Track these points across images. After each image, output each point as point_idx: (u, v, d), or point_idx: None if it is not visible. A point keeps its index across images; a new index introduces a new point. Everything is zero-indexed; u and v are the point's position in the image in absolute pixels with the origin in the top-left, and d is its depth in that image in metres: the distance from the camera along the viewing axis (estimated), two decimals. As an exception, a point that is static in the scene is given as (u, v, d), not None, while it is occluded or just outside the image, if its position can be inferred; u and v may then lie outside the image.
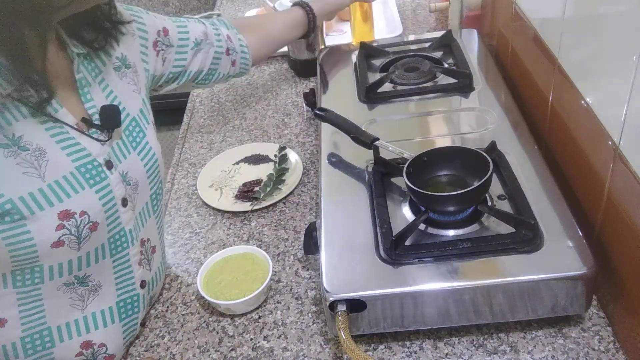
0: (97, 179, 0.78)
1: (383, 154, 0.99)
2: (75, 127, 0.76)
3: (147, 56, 0.95)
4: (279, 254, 1.03)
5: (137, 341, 0.92)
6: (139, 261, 0.88)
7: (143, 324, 0.95)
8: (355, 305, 0.80)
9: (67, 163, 0.75)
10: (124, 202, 0.82)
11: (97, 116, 0.80)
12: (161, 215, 0.96)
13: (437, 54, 1.31)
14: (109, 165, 0.80)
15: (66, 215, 0.74)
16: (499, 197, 0.90)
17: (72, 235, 0.75)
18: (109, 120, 0.80)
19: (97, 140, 0.78)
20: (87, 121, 0.78)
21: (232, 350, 0.89)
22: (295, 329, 0.90)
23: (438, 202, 0.87)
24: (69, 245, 0.75)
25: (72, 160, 0.76)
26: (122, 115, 0.84)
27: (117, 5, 0.87)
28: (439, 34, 1.35)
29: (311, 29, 1.29)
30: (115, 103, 0.83)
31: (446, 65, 1.26)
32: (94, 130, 0.79)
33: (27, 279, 0.75)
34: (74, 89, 0.79)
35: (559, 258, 0.79)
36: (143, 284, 0.90)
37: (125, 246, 0.84)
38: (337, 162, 1.05)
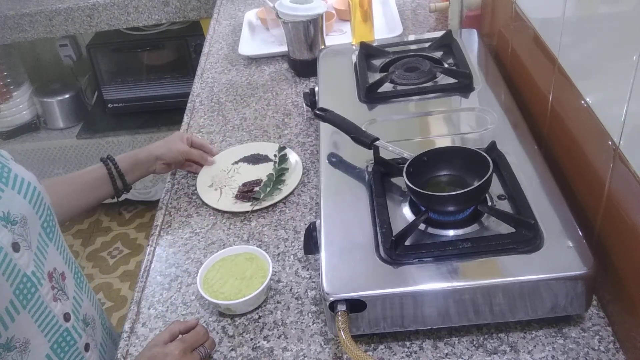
0: None
1: (383, 154, 0.99)
2: None
3: None
4: (279, 254, 1.03)
5: (137, 341, 0.92)
6: (53, 297, 0.83)
7: (87, 348, 0.90)
8: (355, 305, 0.79)
9: None
10: (16, 247, 0.77)
11: None
12: (58, 237, 0.89)
13: (437, 54, 1.31)
14: None
15: None
16: (499, 197, 0.90)
17: None
18: None
19: None
20: None
21: (232, 350, 0.89)
22: (295, 329, 0.90)
23: (438, 202, 0.87)
24: None
25: None
26: None
27: None
28: (439, 34, 1.35)
29: (119, 188, 1.14)
30: None
31: (446, 65, 1.26)
32: None
33: None
34: None
35: (559, 258, 0.79)
36: (67, 317, 0.86)
37: (34, 290, 0.79)
38: (337, 162, 1.05)
